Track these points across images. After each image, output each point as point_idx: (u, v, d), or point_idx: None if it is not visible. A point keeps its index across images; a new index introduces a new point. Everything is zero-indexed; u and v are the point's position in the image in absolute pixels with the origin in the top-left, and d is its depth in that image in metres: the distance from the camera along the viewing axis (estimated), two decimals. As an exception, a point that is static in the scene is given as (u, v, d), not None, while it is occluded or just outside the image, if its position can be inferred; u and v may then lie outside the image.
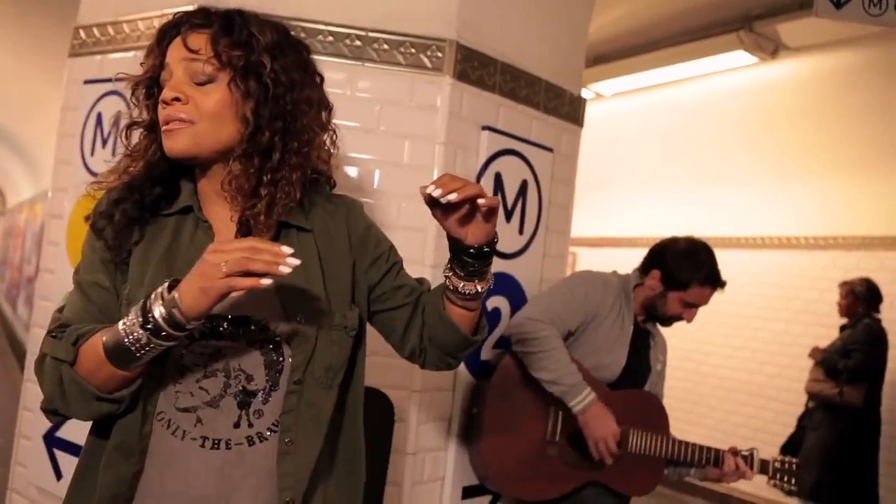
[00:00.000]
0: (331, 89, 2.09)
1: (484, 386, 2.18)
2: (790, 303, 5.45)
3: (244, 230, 1.16)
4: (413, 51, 2.15)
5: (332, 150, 1.31)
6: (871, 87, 4.50)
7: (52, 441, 2.29)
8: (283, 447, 1.13)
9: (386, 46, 2.13)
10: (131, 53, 2.29)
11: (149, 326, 0.97)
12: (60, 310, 1.14)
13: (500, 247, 2.27)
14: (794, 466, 2.26)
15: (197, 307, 0.96)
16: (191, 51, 1.11)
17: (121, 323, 1.00)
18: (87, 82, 2.38)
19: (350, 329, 1.21)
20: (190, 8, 1.20)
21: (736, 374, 5.74)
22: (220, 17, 1.15)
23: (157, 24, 2.29)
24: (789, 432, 5.36)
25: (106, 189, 1.18)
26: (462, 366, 2.23)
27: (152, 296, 0.99)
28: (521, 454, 2.13)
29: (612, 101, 5.69)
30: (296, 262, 0.96)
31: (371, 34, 2.13)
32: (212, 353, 1.11)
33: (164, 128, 1.11)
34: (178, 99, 1.09)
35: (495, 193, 2.28)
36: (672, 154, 5.95)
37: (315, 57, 2.10)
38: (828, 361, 4.26)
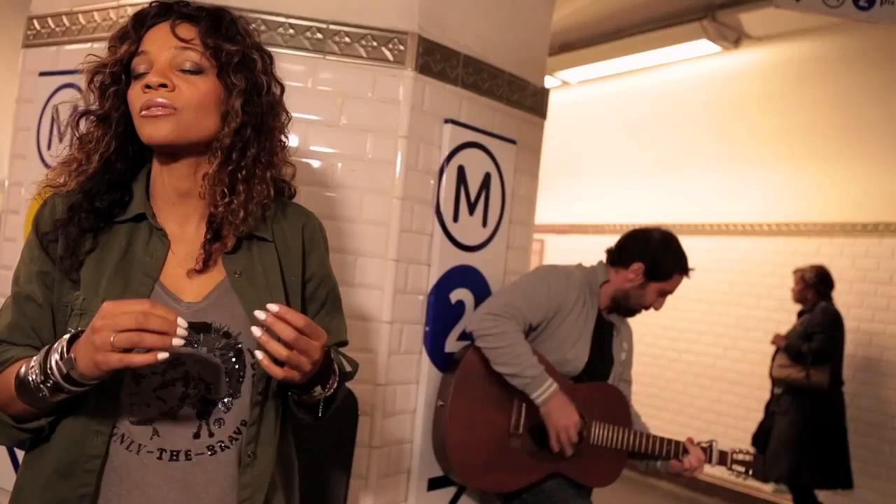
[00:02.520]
0: (291, 82, 2.08)
1: (449, 379, 2.20)
2: (753, 288, 5.54)
3: (214, 233, 1.15)
4: (374, 44, 2.13)
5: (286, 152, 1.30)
6: (832, 76, 4.57)
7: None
8: (246, 459, 1.11)
9: (347, 39, 2.12)
10: (87, 45, 2.24)
11: (48, 384, 0.96)
12: None
13: (463, 239, 2.30)
14: (749, 457, 2.33)
15: (93, 375, 0.94)
16: (182, 39, 1.10)
17: (23, 367, 0.99)
18: (42, 74, 2.33)
19: None
20: (162, 1, 1.17)
21: (700, 359, 5.83)
22: (209, 12, 1.14)
23: (113, 15, 2.25)
24: (753, 416, 5.48)
25: (59, 191, 1.14)
26: (426, 358, 2.24)
27: (52, 349, 0.97)
28: (485, 446, 2.15)
29: (578, 88, 5.72)
30: (184, 333, 0.94)
31: (332, 27, 2.11)
32: (170, 361, 1.06)
33: (143, 113, 1.07)
34: (163, 85, 1.07)
35: (458, 187, 2.29)
36: (638, 141, 5.99)
37: (276, 50, 2.09)
38: (791, 347, 4.35)
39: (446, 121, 2.25)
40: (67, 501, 1.04)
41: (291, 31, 2.10)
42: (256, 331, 0.98)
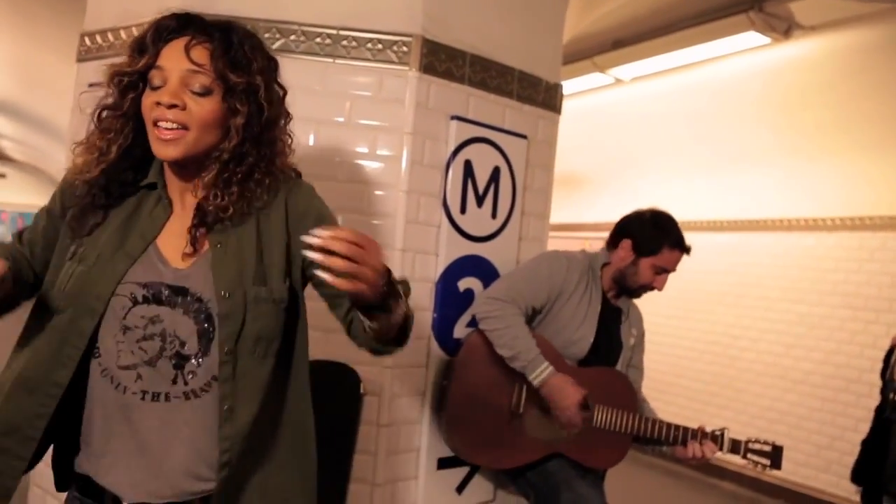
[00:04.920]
0: (303, 85, 2.25)
1: (452, 360, 2.31)
2: (816, 285, 5.38)
3: (201, 215, 1.28)
4: (380, 47, 2.27)
5: (289, 150, 1.41)
6: (889, 65, 4.41)
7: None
8: (225, 414, 1.25)
9: (355, 44, 2.27)
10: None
11: None
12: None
13: (471, 230, 2.41)
14: (769, 447, 2.33)
15: None
16: (196, 64, 1.22)
17: None
18: (91, 85, 2.57)
19: (280, 301, 1.31)
20: (182, 12, 1.29)
21: (762, 357, 5.70)
22: (219, 33, 1.26)
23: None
24: (816, 416, 5.34)
25: (83, 171, 1.29)
26: (435, 343, 2.36)
27: None
28: (485, 425, 2.25)
29: (632, 85, 5.70)
30: None
31: (341, 32, 2.26)
32: (151, 317, 1.24)
33: (156, 132, 1.22)
34: (175, 105, 1.20)
35: (465, 180, 2.40)
36: (693, 137, 5.92)
37: (289, 56, 2.27)
38: None
39: (452, 117, 2.36)
40: (28, 416, 1.24)
41: (303, 37, 2.26)
42: (314, 254, 1.04)
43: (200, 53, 1.23)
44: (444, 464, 2.39)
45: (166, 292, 1.24)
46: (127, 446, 1.24)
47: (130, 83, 1.26)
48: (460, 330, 2.40)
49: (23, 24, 6.87)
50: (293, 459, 1.38)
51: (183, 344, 1.25)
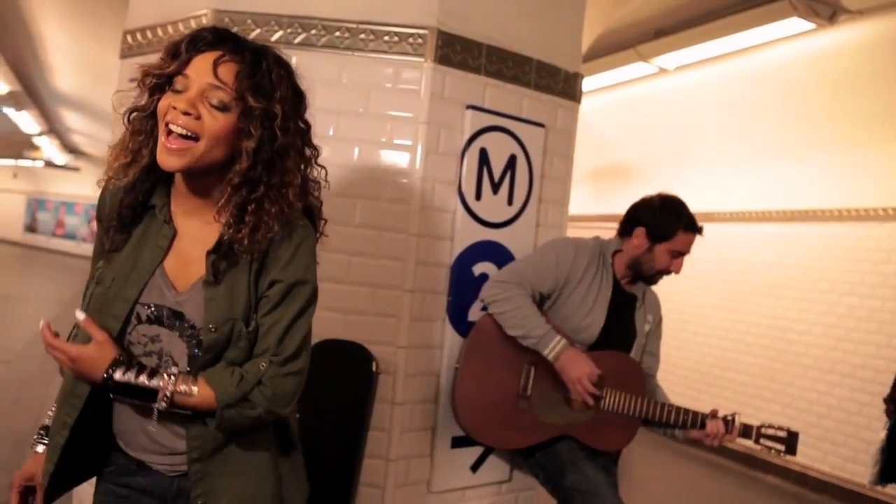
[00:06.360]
0: (324, 77, 2.36)
1: (464, 343, 2.39)
2: (866, 277, 5.25)
3: (223, 250, 1.31)
4: (397, 39, 2.36)
5: (321, 183, 1.44)
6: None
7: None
8: (192, 417, 1.32)
9: (373, 36, 2.36)
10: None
11: None
12: None
13: (486, 216, 2.48)
14: (783, 433, 2.35)
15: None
16: (220, 80, 1.25)
17: None
18: (131, 80, 2.74)
19: (253, 341, 1.34)
20: (221, 28, 1.33)
21: (810, 350, 5.59)
22: (251, 55, 1.29)
23: (194, 25, 2.60)
24: (866, 411, 5.22)
25: (118, 174, 1.35)
26: (449, 326, 2.44)
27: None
28: (493, 406, 2.32)
29: (677, 75, 5.64)
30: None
31: (360, 26, 2.36)
32: (153, 336, 1.31)
33: (163, 139, 1.25)
34: (189, 113, 1.23)
35: (480, 168, 2.47)
36: (740, 126, 5.83)
37: (310, 51, 2.37)
38: None
39: (468, 107, 2.43)
40: (59, 421, 1.37)
41: (324, 31, 2.36)
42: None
43: (227, 71, 1.26)
44: (458, 443, 2.47)
45: (167, 315, 1.31)
46: (139, 439, 1.36)
47: (157, 84, 1.29)
48: (475, 313, 2.47)
49: (90, 25, 7.25)
50: (273, 469, 1.41)
51: (175, 365, 1.32)
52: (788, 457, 2.43)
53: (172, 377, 1.27)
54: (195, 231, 1.36)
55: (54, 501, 1.42)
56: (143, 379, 1.26)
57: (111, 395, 1.31)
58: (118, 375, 1.26)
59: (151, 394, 1.26)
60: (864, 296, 5.27)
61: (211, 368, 1.30)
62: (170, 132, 1.25)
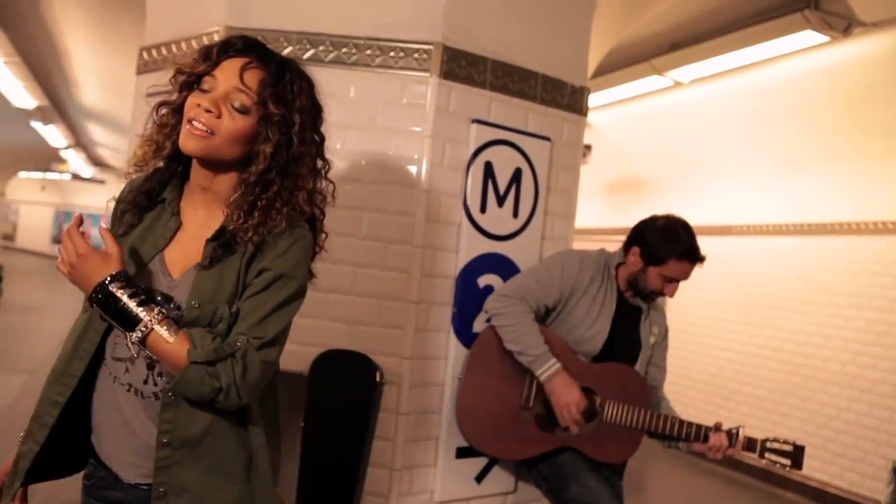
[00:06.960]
0: (332, 92, 2.40)
1: (467, 354, 2.41)
2: (885, 291, 5.18)
3: (223, 239, 1.36)
4: (403, 54, 2.40)
5: (328, 197, 1.50)
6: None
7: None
8: (167, 399, 1.34)
9: (379, 52, 2.41)
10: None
11: None
12: None
13: (491, 229, 2.50)
14: (789, 447, 2.33)
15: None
16: (244, 85, 1.33)
17: None
18: (148, 95, 2.81)
19: (233, 324, 1.36)
20: (252, 38, 1.42)
21: (828, 365, 5.52)
22: (276, 66, 1.36)
23: (206, 41, 2.67)
24: (885, 427, 5.15)
25: (141, 163, 1.42)
26: (454, 337, 2.47)
27: None
28: (495, 417, 2.34)
29: (691, 88, 5.64)
30: None
31: (367, 42, 2.41)
32: None
33: (187, 126, 1.31)
34: (210, 111, 1.30)
35: (485, 181, 2.50)
36: (756, 139, 5.80)
37: (318, 64, 2.42)
38: None
39: (473, 121, 2.46)
40: (48, 400, 1.40)
41: (331, 47, 2.41)
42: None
43: (252, 77, 1.33)
44: (462, 453, 2.49)
45: (160, 299, 1.36)
46: (118, 431, 1.38)
47: (187, 83, 1.36)
48: (479, 325, 2.50)
49: (112, 41, 7.40)
50: (242, 473, 1.40)
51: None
52: (795, 471, 2.42)
53: (160, 314, 1.28)
54: (200, 224, 1.41)
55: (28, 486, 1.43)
56: (133, 303, 1.27)
57: (100, 312, 1.31)
58: (113, 287, 1.28)
59: (132, 325, 1.27)
60: (882, 310, 5.20)
61: (194, 328, 1.31)
62: (192, 124, 1.32)
